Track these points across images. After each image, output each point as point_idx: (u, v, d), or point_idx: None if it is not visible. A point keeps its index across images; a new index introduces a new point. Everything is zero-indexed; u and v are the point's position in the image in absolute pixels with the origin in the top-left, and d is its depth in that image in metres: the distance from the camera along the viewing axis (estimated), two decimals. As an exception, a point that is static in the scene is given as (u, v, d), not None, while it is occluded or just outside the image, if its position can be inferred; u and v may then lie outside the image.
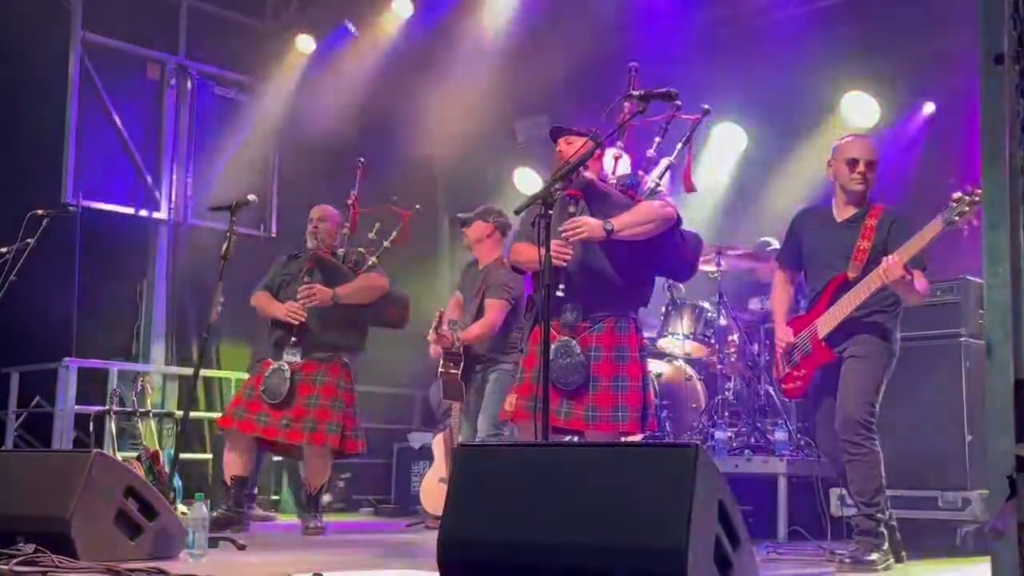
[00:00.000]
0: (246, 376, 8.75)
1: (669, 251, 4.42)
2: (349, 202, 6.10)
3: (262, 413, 5.77)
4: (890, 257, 4.21)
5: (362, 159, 6.22)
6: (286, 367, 5.78)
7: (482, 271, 6.20)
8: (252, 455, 5.99)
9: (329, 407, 5.81)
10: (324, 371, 5.87)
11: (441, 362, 6.06)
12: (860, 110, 7.13)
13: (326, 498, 6.82)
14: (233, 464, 5.88)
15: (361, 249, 6.04)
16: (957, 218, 4.08)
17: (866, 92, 7.11)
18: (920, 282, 4.32)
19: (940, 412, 5.19)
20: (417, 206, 6.16)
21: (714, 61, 7.48)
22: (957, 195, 4.08)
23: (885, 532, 4.35)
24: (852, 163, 4.49)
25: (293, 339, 5.82)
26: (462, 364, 6.02)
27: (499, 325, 5.98)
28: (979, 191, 3.95)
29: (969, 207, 4.04)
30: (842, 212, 4.57)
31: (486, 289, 6.04)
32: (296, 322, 5.80)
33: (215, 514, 5.78)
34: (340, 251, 6.06)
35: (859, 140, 4.62)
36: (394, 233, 6.05)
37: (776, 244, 6.72)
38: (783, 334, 4.61)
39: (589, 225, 4.25)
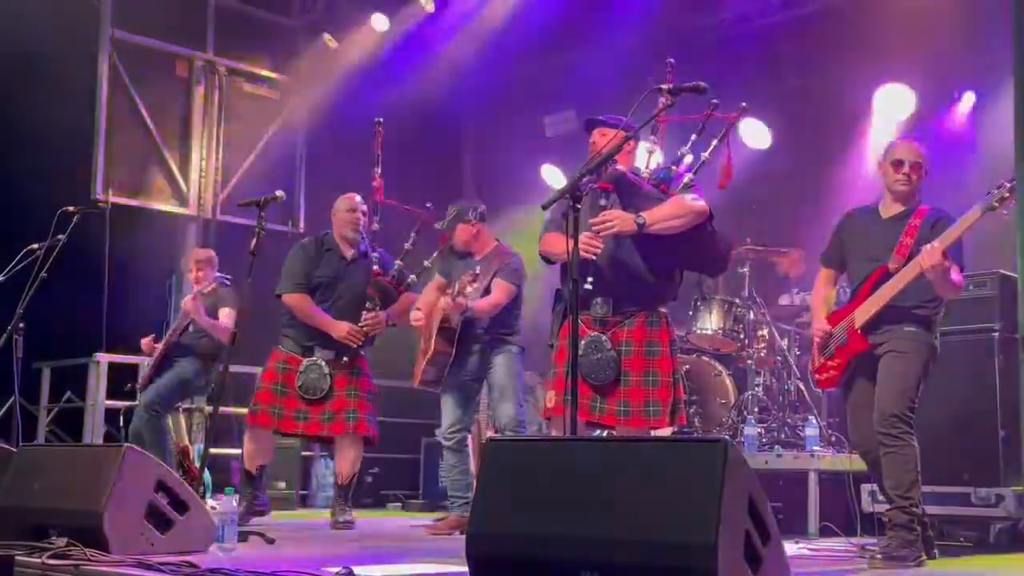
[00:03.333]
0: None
1: (700, 246, 4.39)
2: (375, 184, 6.00)
3: (300, 410, 5.81)
4: (930, 244, 4.21)
5: (379, 119, 6.12)
6: (323, 364, 5.80)
7: (485, 258, 5.94)
8: (273, 443, 6.08)
9: (367, 398, 5.90)
10: (356, 365, 5.91)
11: (434, 339, 5.85)
12: (895, 104, 7.06)
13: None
14: (260, 454, 5.95)
15: (399, 262, 5.91)
16: (997, 204, 4.14)
17: (900, 85, 7.04)
18: (955, 276, 4.30)
19: (973, 407, 5.14)
20: (439, 223, 6.01)
21: (743, 56, 7.44)
22: (1000, 183, 4.14)
23: (918, 527, 4.31)
24: (897, 164, 4.51)
25: (345, 359, 5.82)
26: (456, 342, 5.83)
27: (502, 307, 5.80)
28: (1007, 184, 4.02)
29: (1010, 193, 4.09)
30: (888, 210, 4.57)
31: (498, 271, 5.85)
32: (355, 346, 5.81)
33: (246, 504, 5.83)
34: (375, 255, 5.95)
35: (906, 142, 4.65)
36: (435, 254, 5.97)
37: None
38: (820, 325, 4.59)
39: (620, 218, 4.23)
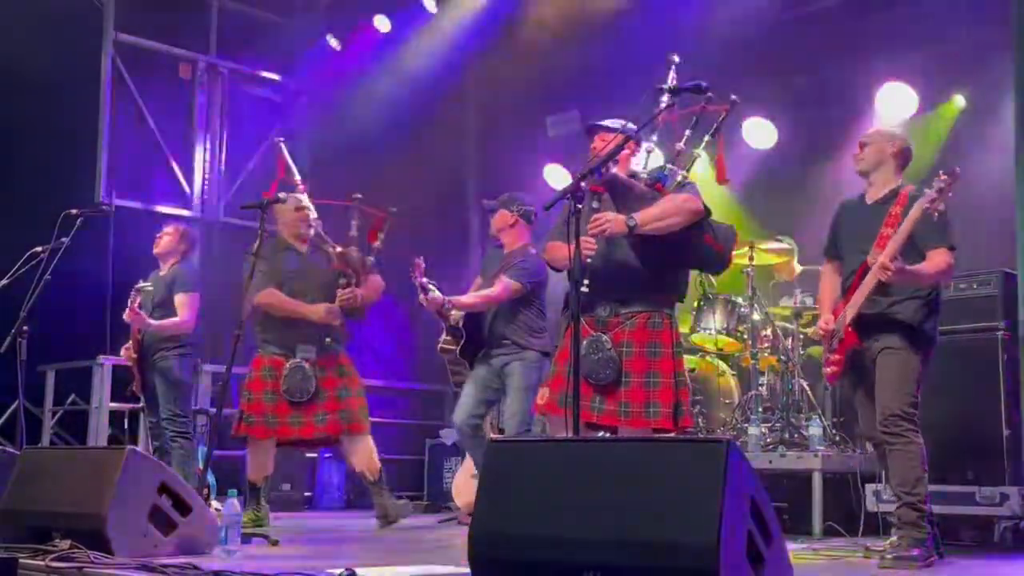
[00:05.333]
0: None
1: (697, 244, 4.39)
2: (301, 189, 6.05)
3: (293, 415, 5.83)
4: (882, 254, 4.20)
5: (281, 139, 6.29)
6: (307, 365, 5.82)
7: (507, 254, 6.06)
8: (274, 453, 6.09)
9: (356, 395, 5.95)
10: (340, 362, 5.96)
11: (442, 337, 5.98)
12: (896, 102, 7.05)
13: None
14: (264, 465, 5.98)
15: (354, 247, 6.01)
16: (928, 205, 4.15)
17: (902, 83, 7.03)
18: (934, 262, 4.25)
19: (977, 406, 5.13)
20: (393, 208, 6.10)
21: (747, 55, 7.42)
22: (938, 176, 4.19)
23: (929, 526, 4.29)
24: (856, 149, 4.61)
25: (328, 340, 5.87)
26: (463, 342, 5.90)
27: (499, 300, 5.81)
28: (945, 177, 4.12)
29: (939, 193, 4.13)
30: (872, 195, 4.57)
31: (505, 269, 5.90)
32: (337, 323, 5.86)
33: (251, 513, 5.85)
34: (328, 248, 6.05)
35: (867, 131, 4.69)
36: (381, 235, 6.05)
37: (788, 243, 6.71)
38: (823, 321, 4.57)
39: (612, 221, 4.24)
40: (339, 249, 5.98)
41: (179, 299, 6.42)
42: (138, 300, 6.27)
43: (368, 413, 6.03)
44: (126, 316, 6.32)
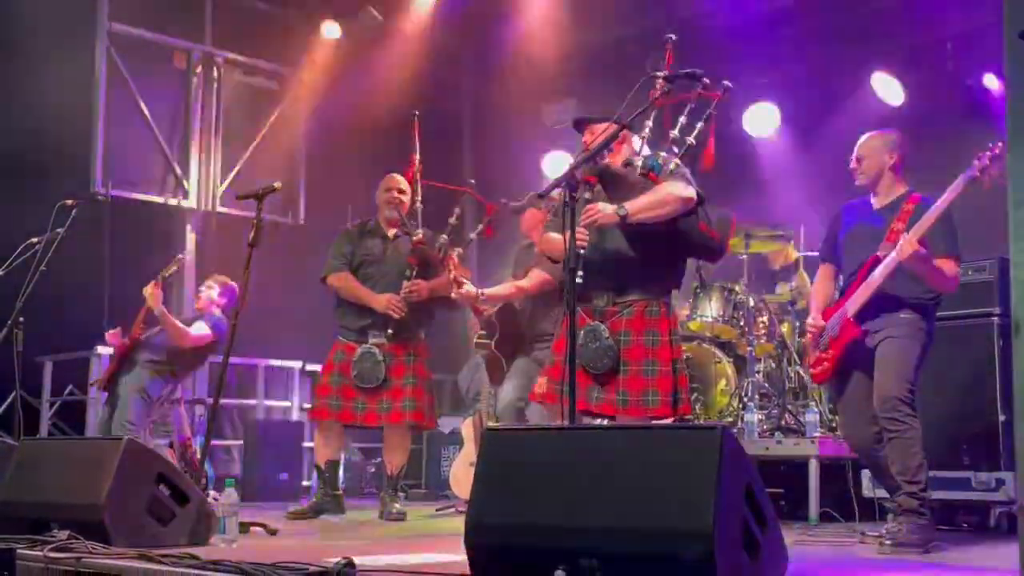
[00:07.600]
0: (274, 363, 8.83)
1: (692, 232, 4.38)
2: (415, 168, 5.96)
3: (358, 400, 5.78)
4: (906, 234, 4.20)
5: (416, 112, 6.09)
6: (377, 351, 5.75)
7: (538, 251, 6.09)
8: (343, 437, 6.06)
9: (423, 387, 5.88)
10: (412, 351, 5.88)
11: (477, 332, 5.98)
12: (886, 90, 7.07)
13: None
14: (327, 449, 5.93)
15: (444, 236, 5.91)
16: (979, 173, 4.14)
17: (893, 71, 7.05)
18: (947, 267, 4.27)
19: (973, 391, 5.14)
20: (504, 200, 6.08)
21: (745, 42, 7.43)
22: (982, 153, 4.16)
23: (928, 512, 4.30)
24: (853, 160, 4.57)
25: (390, 331, 5.76)
26: (497, 336, 5.90)
27: (531, 292, 5.80)
28: (1001, 145, 4.04)
29: (991, 161, 4.11)
30: (879, 201, 4.55)
31: (538, 263, 5.85)
32: (397, 316, 5.77)
33: (314, 499, 5.88)
34: (418, 231, 5.89)
35: (862, 138, 4.62)
36: (480, 226, 6.01)
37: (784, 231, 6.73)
38: (814, 320, 4.57)
39: (602, 211, 4.24)
40: (416, 237, 5.82)
41: (198, 324, 6.47)
42: (171, 270, 6.28)
43: (434, 408, 5.96)
44: (148, 289, 6.28)
